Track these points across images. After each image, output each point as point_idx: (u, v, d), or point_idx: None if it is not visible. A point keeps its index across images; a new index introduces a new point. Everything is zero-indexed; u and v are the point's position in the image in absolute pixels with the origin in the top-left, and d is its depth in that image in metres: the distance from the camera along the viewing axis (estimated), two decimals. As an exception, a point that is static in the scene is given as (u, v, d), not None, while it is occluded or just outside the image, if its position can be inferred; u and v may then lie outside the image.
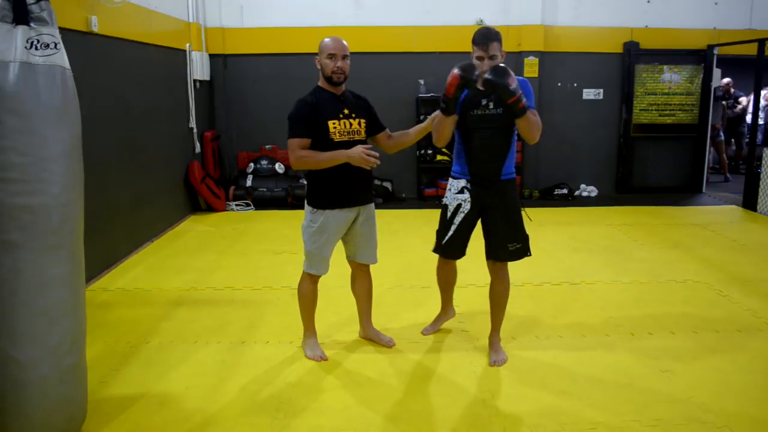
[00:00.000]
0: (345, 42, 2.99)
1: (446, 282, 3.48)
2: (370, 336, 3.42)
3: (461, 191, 3.10)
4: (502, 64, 2.80)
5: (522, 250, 3.15)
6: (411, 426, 2.61)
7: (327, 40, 2.99)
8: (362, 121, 3.07)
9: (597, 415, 2.67)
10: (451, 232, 3.17)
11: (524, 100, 2.77)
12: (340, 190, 3.02)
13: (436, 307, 3.96)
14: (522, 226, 3.12)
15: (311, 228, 3.06)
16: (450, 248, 3.23)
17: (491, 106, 2.95)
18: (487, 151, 3.02)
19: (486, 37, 2.87)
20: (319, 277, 3.19)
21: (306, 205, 3.10)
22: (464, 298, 4.03)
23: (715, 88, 7.96)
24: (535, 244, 5.37)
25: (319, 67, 3.01)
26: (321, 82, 3.04)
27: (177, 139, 6.50)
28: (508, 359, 3.18)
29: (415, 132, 3.18)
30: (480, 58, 2.87)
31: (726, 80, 9.12)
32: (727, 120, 9.32)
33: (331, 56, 2.94)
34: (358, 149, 2.89)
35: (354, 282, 3.37)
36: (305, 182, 3.10)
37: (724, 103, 9.14)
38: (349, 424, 2.63)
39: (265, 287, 4.36)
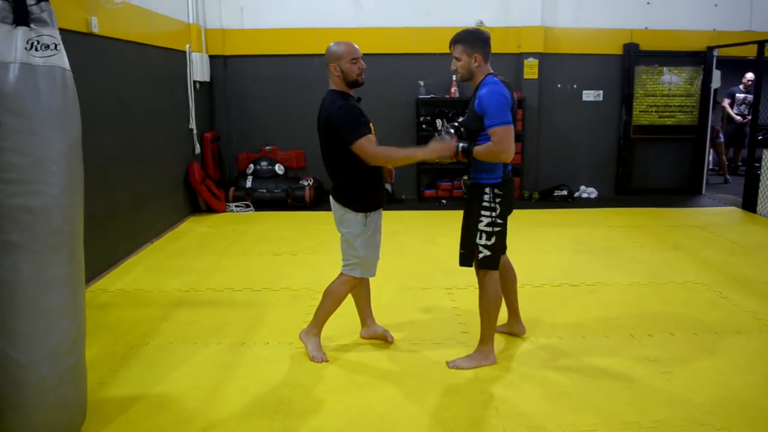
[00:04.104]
0: None
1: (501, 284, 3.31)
2: (373, 333, 3.43)
3: None
4: (452, 127, 3.02)
5: (463, 257, 3.12)
6: (410, 427, 2.61)
7: (342, 46, 2.98)
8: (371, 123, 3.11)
9: (597, 416, 2.66)
10: None
11: (460, 148, 2.94)
12: (378, 191, 3.09)
13: (436, 308, 3.96)
14: (471, 233, 3.06)
15: (366, 233, 3.04)
16: None
17: (465, 115, 3.13)
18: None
19: (451, 40, 3.03)
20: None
21: (349, 212, 3.02)
22: (464, 299, 4.04)
23: (715, 90, 7.96)
24: (535, 245, 5.43)
25: (338, 73, 2.97)
26: (339, 87, 3.01)
27: (177, 140, 6.50)
28: (478, 367, 3.11)
29: None
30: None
31: (749, 75, 9.02)
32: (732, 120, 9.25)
33: (355, 60, 2.97)
34: (435, 145, 2.91)
35: None
36: (335, 185, 3.07)
37: (726, 102, 9.08)
38: (348, 425, 2.63)
39: (265, 288, 4.36)
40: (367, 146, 2.88)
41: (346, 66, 2.96)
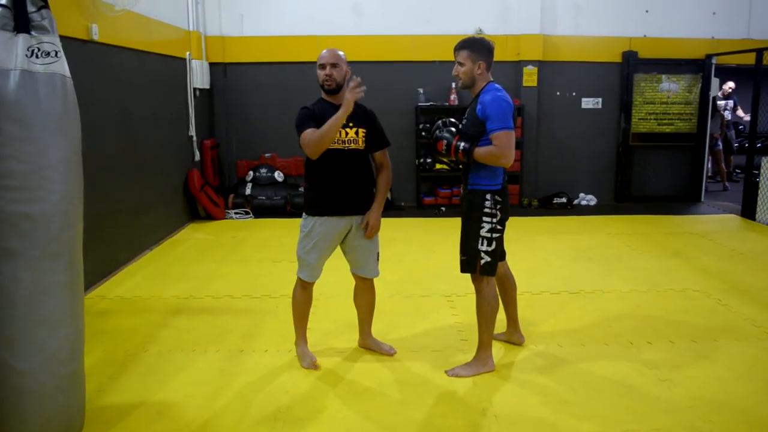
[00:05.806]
0: (339, 51, 3.05)
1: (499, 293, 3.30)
2: (370, 346, 3.41)
3: None
4: (450, 121, 3.06)
5: (465, 263, 3.10)
6: (410, 435, 2.60)
7: (323, 51, 3.07)
8: (360, 130, 3.08)
9: (596, 424, 2.66)
10: None
11: (461, 147, 2.95)
12: (332, 198, 3.06)
13: (435, 315, 3.96)
14: (472, 239, 3.04)
15: (302, 232, 3.15)
16: None
17: (464, 119, 3.13)
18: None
19: (456, 45, 3.05)
20: (310, 283, 3.20)
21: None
22: (463, 307, 4.03)
23: (714, 97, 8.01)
24: (534, 253, 5.43)
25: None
26: (323, 93, 3.12)
27: (176, 147, 6.51)
28: (469, 376, 3.09)
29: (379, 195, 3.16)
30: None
31: (730, 83, 9.22)
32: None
33: (321, 66, 3.04)
34: (348, 92, 2.85)
35: (356, 294, 3.36)
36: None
37: (721, 103, 9.22)
38: (347, 433, 2.62)
39: (264, 296, 4.35)
40: (304, 141, 2.97)
41: (317, 71, 3.07)
